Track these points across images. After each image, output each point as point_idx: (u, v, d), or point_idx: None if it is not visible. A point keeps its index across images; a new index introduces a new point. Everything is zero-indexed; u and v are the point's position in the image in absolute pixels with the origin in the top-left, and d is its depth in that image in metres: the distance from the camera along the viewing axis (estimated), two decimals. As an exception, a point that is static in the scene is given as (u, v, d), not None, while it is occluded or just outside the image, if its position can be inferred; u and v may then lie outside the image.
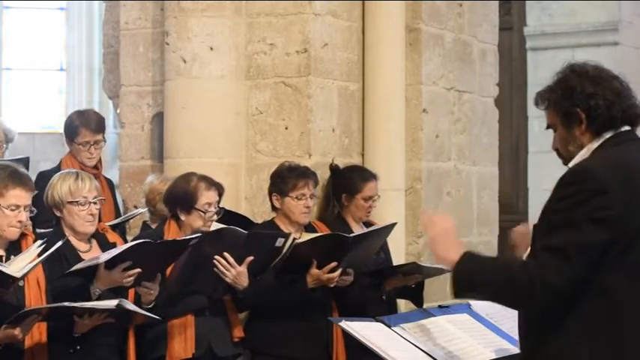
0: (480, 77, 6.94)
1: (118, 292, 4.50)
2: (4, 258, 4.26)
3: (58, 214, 4.62)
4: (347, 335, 4.77)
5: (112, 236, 4.82)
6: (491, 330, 4.85)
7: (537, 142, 10.03)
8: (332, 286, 5.18)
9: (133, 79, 6.31)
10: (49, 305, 4.22)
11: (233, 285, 4.93)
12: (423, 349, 4.50)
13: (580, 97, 3.32)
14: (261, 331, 5.21)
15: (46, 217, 4.73)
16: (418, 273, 5.52)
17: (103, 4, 6.96)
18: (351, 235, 5.20)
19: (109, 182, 6.15)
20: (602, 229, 3.16)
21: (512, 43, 10.30)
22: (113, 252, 4.44)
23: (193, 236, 4.71)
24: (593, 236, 3.16)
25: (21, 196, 4.26)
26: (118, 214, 6.01)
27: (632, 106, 3.35)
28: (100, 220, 4.79)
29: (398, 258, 5.88)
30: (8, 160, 5.11)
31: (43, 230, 4.87)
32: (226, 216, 5.14)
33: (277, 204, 5.36)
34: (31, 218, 4.46)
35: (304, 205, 5.30)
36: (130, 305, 4.38)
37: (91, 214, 4.60)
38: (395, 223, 5.49)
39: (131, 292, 4.64)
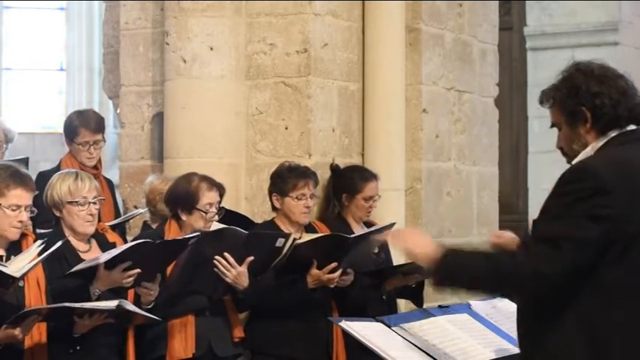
0: (480, 77, 6.94)
1: (118, 292, 4.49)
2: (4, 258, 4.26)
3: (57, 214, 4.62)
4: (347, 335, 4.77)
5: (112, 236, 4.82)
6: (491, 330, 4.85)
7: (537, 142, 10.03)
8: (332, 286, 5.18)
9: (133, 79, 6.32)
10: (49, 305, 4.22)
11: (233, 285, 4.93)
12: (423, 349, 4.50)
13: (585, 96, 3.32)
14: (261, 331, 5.21)
15: (46, 217, 4.73)
16: (418, 273, 5.51)
17: (103, 4, 6.96)
18: (351, 235, 5.20)
19: (109, 182, 6.14)
20: (600, 226, 3.16)
21: (512, 43, 10.30)
22: (113, 252, 4.44)
23: (192, 235, 4.71)
24: (590, 232, 3.16)
25: (22, 196, 4.26)
26: (117, 214, 6.01)
27: (637, 105, 3.35)
28: (99, 220, 4.79)
29: (398, 258, 5.88)
30: (9, 161, 5.11)
31: (43, 230, 4.87)
32: (227, 216, 5.14)
33: (277, 204, 5.35)
34: (31, 218, 4.45)
35: (304, 205, 5.29)
36: (130, 306, 4.37)
37: (91, 214, 4.60)
38: (394, 223, 5.49)
39: (130, 292, 4.63)
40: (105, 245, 4.68)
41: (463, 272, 3.35)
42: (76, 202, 4.57)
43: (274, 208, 5.40)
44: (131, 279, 4.45)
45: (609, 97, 3.30)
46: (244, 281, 4.93)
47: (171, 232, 4.96)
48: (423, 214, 6.38)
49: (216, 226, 4.92)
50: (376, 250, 5.61)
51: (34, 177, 4.58)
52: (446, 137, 6.60)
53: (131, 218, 5.92)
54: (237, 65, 5.93)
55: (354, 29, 6.19)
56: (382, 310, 5.22)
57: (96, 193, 4.64)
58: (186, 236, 4.71)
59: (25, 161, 5.56)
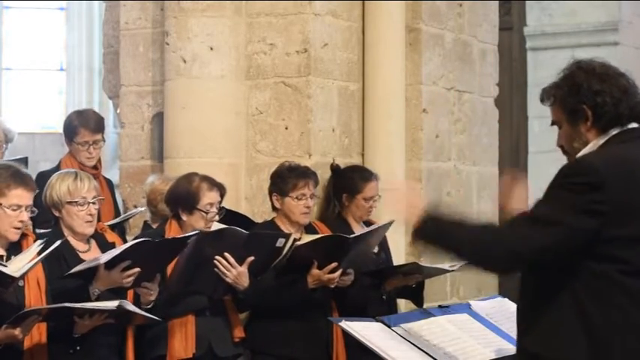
0: (480, 77, 6.94)
1: (118, 292, 4.49)
2: (4, 258, 4.25)
3: (56, 214, 4.61)
4: (347, 335, 4.78)
5: (111, 236, 4.82)
6: (491, 330, 4.85)
7: (537, 142, 10.02)
8: (332, 286, 5.18)
9: (133, 79, 6.32)
10: (49, 306, 4.22)
11: (233, 285, 4.93)
12: (423, 349, 4.50)
13: (587, 94, 3.32)
14: (261, 331, 5.21)
15: (46, 217, 4.72)
16: (418, 273, 5.51)
17: (103, 4, 6.96)
18: (351, 236, 5.19)
19: (109, 182, 6.14)
20: (593, 220, 3.16)
21: (512, 43, 10.29)
22: (113, 252, 4.43)
23: (191, 234, 4.70)
24: (581, 223, 3.16)
25: (23, 196, 4.25)
26: (117, 214, 6.01)
27: (638, 103, 3.35)
28: (99, 220, 4.79)
29: (398, 258, 5.88)
30: (9, 161, 5.11)
31: (42, 230, 4.87)
32: (227, 216, 5.15)
33: (277, 204, 5.35)
34: (31, 218, 4.45)
35: (304, 205, 5.29)
36: (130, 306, 4.37)
37: (90, 215, 4.59)
38: (392, 221, 5.49)
39: (130, 292, 4.63)
40: (104, 245, 4.67)
41: (442, 238, 3.42)
42: (76, 202, 4.56)
43: (274, 208, 5.39)
44: (131, 279, 4.45)
45: (610, 95, 3.30)
46: (244, 281, 4.93)
47: (172, 232, 4.96)
48: (422, 214, 6.37)
49: (216, 226, 4.92)
50: (376, 250, 5.61)
51: (33, 177, 4.57)
52: (446, 137, 6.60)
53: (130, 217, 5.92)
54: (237, 65, 5.93)
55: (354, 29, 6.19)
56: (382, 310, 5.22)
57: (95, 193, 4.63)
58: (186, 235, 4.71)
59: (24, 161, 5.55)
